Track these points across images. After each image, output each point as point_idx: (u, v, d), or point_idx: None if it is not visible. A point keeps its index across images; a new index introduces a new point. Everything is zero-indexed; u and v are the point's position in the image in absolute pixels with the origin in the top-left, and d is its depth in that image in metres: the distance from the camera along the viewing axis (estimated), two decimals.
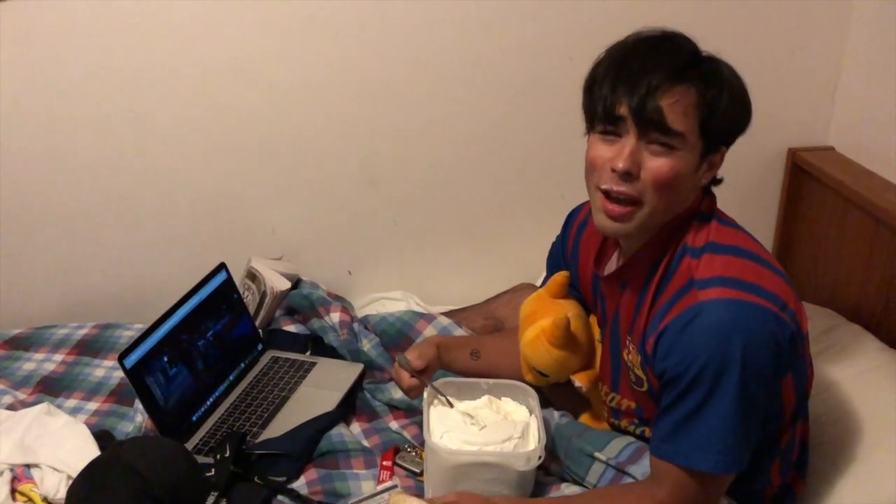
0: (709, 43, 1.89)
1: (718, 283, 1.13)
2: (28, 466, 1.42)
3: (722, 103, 1.14)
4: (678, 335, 1.13)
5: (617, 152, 1.14)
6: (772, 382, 1.15)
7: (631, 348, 1.28)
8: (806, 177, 1.98)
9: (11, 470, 1.41)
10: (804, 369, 1.24)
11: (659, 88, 1.11)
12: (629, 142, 1.14)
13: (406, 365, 1.44)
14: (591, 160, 1.19)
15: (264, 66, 1.86)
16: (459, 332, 1.76)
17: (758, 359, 1.10)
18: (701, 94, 1.13)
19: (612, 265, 1.34)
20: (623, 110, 1.13)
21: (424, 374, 1.44)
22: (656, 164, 1.13)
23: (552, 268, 1.55)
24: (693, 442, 1.13)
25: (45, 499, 1.37)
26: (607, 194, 1.17)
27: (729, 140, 1.21)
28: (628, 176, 1.14)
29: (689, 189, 1.19)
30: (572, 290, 1.48)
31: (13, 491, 1.38)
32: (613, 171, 1.15)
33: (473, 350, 1.54)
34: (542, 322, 1.42)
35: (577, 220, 1.48)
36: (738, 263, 1.16)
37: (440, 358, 1.50)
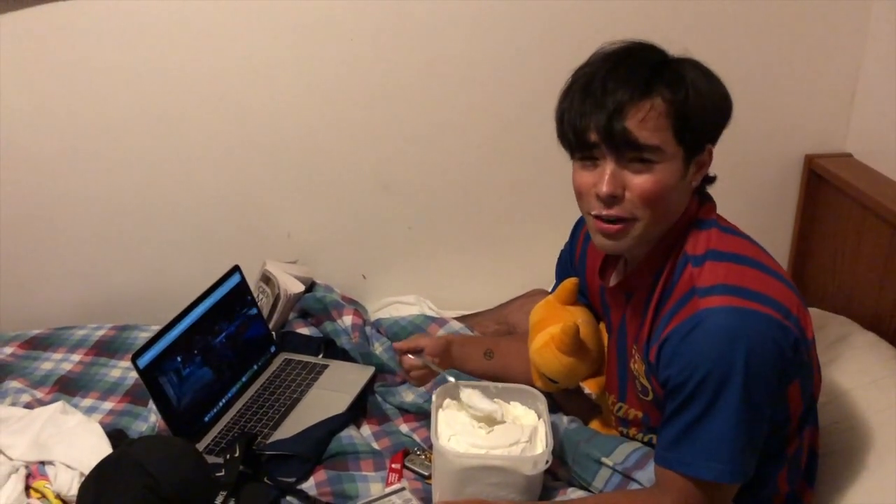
0: (725, 49, 1.91)
1: (720, 291, 1.12)
2: (42, 463, 1.44)
3: (690, 106, 1.12)
4: (680, 344, 1.12)
5: (598, 177, 1.14)
6: (776, 390, 1.14)
7: (636, 357, 1.28)
8: (823, 183, 1.96)
9: (26, 467, 1.43)
10: (811, 376, 1.23)
11: (624, 108, 1.10)
12: (608, 166, 1.13)
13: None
14: (576, 188, 1.20)
15: (280, 71, 1.88)
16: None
17: (761, 367, 1.09)
18: (668, 102, 1.11)
19: (616, 276, 1.34)
20: (594, 136, 1.13)
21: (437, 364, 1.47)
22: (640, 182, 1.13)
23: (561, 275, 1.55)
24: (696, 451, 1.13)
25: (58, 495, 1.39)
26: (599, 218, 1.17)
27: (713, 137, 1.19)
28: (614, 199, 1.14)
29: (680, 196, 1.18)
30: (581, 298, 1.48)
31: (27, 487, 1.41)
32: (598, 196, 1.15)
33: (487, 350, 1.54)
34: (552, 329, 1.42)
35: (583, 229, 1.47)
36: (739, 271, 1.15)
37: (453, 354, 1.50)
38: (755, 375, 1.09)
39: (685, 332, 1.12)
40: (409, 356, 1.49)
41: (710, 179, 1.24)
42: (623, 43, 1.18)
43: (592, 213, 1.17)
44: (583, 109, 1.13)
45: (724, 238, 1.20)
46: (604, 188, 1.13)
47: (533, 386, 1.45)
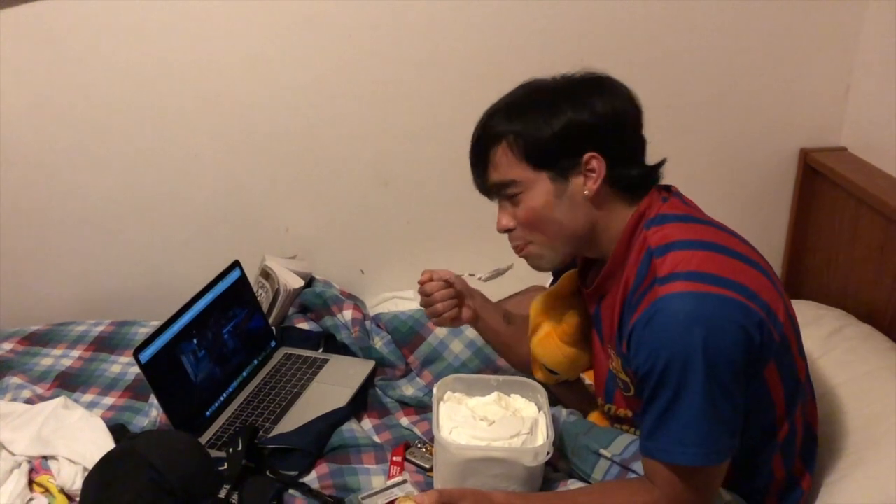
0: (721, 44, 1.92)
1: (678, 278, 1.14)
2: (45, 458, 1.44)
3: (524, 135, 1.22)
4: (642, 332, 1.14)
5: (497, 217, 1.31)
6: (745, 370, 1.14)
7: (612, 354, 1.30)
8: (818, 177, 1.97)
9: (29, 462, 1.44)
10: (791, 358, 1.23)
11: (479, 162, 1.29)
12: (498, 205, 1.31)
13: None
14: None
15: (278, 66, 1.89)
16: (470, 331, 1.76)
17: (722, 348, 1.10)
18: (508, 142, 1.24)
19: (591, 281, 1.37)
20: (480, 188, 1.32)
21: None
22: (517, 212, 1.27)
23: (556, 271, 1.56)
24: (670, 437, 1.14)
25: (61, 490, 1.39)
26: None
27: (581, 146, 1.21)
28: (509, 231, 1.30)
29: (570, 209, 1.24)
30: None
31: (31, 482, 1.41)
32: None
33: (506, 313, 1.56)
34: (552, 321, 1.43)
35: None
36: (701, 256, 1.17)
37: (474, 300, 1.51)
38: (717, 357, 1.10)
39: (646, 321, 1.14)
40: (432, 282, 1.48)
41: (633, 177, 1.24)
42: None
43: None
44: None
45: (687, 227, 1.22)
46: (498, 227, 1.31)
47: (532, 377, 1.46)
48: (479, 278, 1.46)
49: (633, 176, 1.24)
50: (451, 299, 1.46)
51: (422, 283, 1.48)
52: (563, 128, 1.21)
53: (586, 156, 1.21)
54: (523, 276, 1.93)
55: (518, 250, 1.31)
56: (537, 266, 1.33)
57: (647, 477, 1.20)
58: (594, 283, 1.33)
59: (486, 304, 1.55)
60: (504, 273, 1.45)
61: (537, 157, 1.22)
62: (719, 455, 1.15)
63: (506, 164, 1.25)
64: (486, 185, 1.30)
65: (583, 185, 1.23)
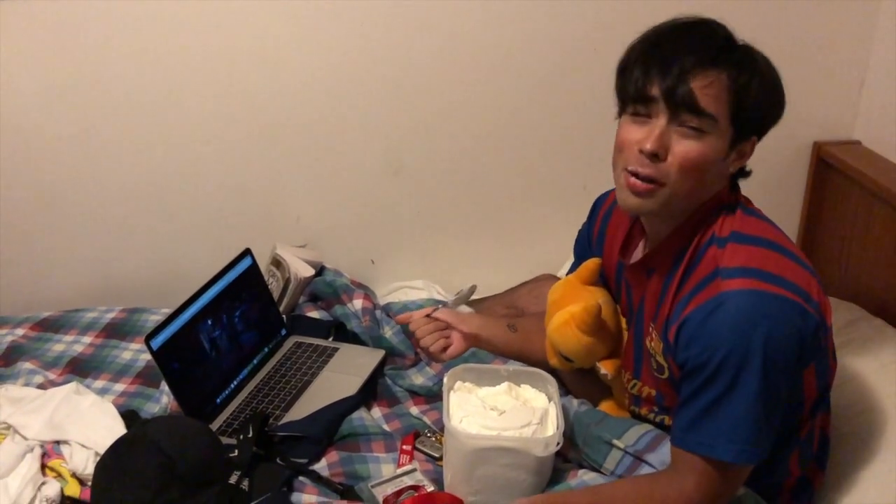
0: (736, 36, 1.91)
1: (742, 274, 1.13)
2: (57, 443, 1.45)
3: (753, 90, 1.14)
4: (701, 325, 1.13)
5: (646, 134, 1.15)
6: (794, 373, 1.15)
7: (654, 335, 1.28)
8: (831, 171, 1.97)
9: (42, 446, 1.44)
10: (827, 361, 1.24)
11: (692, 71, 1.12)
12: (659, 123, 1.14)
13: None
14: (620, 141, 1.19)
15: (291, 56, 1.89)
16: None
17: (780, 350, 1.10)
18: (733, 79, 1.13)
19: (638, 253, 1.35)
20: (655, 91, 1.14)
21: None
22: (684, 147, 1.14)
23: (579, 254, 1.55)
24: (715, 432, 1.14)
25: (73, 474, 1.40)
26: (633, 174, 1.17)
27: (760, 130, 1.20)
28: (655, 157, 1.14)
29: (715, 175, 1.19)
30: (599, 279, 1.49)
31: (43, 466, 1.42)
32: (641, 151, 1.15)
33: (510, 323, 1.55)
34: (572, 307, 1.42)
35: (603, 207, 1.48)
36: (762, 254, 1.16)
37: (473, 324, 1.48)
38: (774, 358, 1.10)
39: (705, 314, 1.13)
40: (415, 321, 1.46)
41: (745, 173, 1.26)
42: (695, 17, 1.20)
43: (629, 168, 1.17)
44: (649, 65, 1.15)
45: (748, 221, 1.21)
46: (649, 144, 1.14)
47: (547, 364, 1.46)
48: (448, 304, 1.43)
49: (747, 173, 1.25)
50: (435, 332, 1.45)
51: (399, 323, 1.46)
52: (773, 108, 1.18)
53: (753, 138, 1.19)
54: (533, 268, 1.96)
55: (644, 181, 1.16)
56: (639, 208, 1.20)
57: (677, 468, 1.20)
58: (646, 256, 1.30)
59: (487, 322, 1.52)
60: (470, 295, 1.41)
61: (741, 115, 1.14)
62: (759, 454, 1.15)
63: (717, 98, 1.13)
64: (681, 92, 1.12)
65: (732, 162, 1.19)
